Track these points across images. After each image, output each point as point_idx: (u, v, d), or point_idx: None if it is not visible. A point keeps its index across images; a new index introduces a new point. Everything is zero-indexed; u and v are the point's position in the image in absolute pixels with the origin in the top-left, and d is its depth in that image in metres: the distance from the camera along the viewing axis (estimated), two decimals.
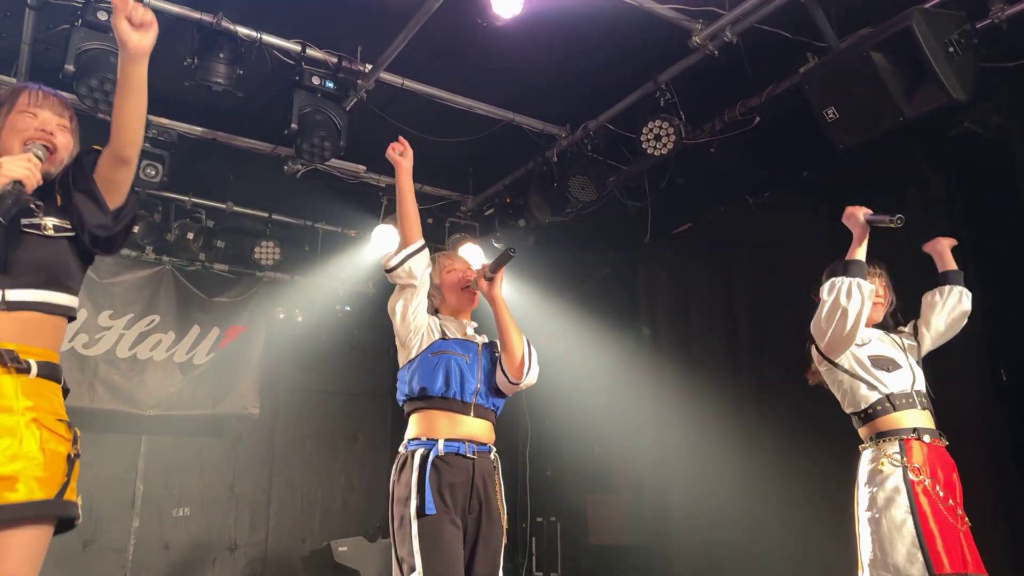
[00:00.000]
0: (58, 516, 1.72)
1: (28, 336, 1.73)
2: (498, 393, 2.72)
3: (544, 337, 5.93)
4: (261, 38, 4.06)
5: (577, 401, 5.51)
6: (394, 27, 3.99)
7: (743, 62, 4.05)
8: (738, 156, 4.57)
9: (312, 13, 4.07)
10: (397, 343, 2.76)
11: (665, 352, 5.22)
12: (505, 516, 2.63)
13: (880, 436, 2.60)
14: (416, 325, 2.67)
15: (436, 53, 4.32)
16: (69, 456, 1.75)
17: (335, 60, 4.30)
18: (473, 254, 5.91)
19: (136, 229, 5.30)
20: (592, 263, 5.77)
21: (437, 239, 6.40)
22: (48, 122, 1.86)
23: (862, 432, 2.70)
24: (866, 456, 2.65)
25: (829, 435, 3.05)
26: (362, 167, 5.53)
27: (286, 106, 4.30)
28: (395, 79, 4.46)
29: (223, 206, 5.65)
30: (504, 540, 2.60)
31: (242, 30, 4.00)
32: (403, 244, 2.77)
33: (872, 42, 3.42)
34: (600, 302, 5.58)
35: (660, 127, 4.29)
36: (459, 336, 2.75)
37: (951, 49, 3.29)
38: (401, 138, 2.98)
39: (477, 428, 2.62)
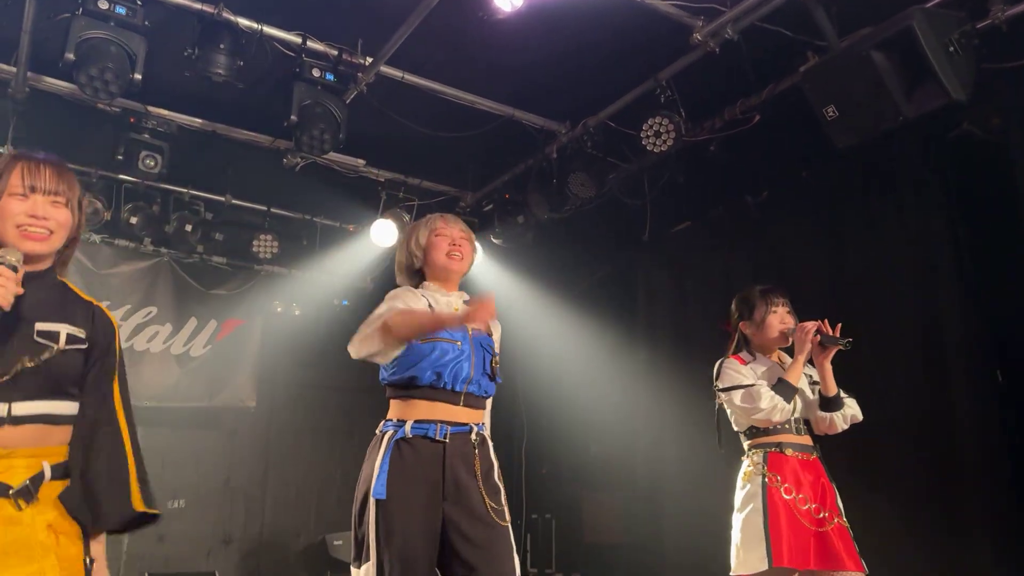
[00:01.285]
0: None
1: (40, 440, 1.69)
2: (491, 378, 2.52)
3: (541, 335, 5.95)
4: (262, 30, 4.06)
5: (574, 399, 5.52)
6: (395, 20, 3.99)
7: (744, 60, 4.05)
8: (738, 154, 4.57)
9: (313, 5, 4.07)
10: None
11: (662, 350, 5.23)
12: (497, 497, 2.37)
13: (752, 448, 2.96)
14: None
15: (437, 47, 4.32)
16: (85, 561, 1.70)
17: (336, 53, 4.29)
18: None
19: (135, 221, 5.31)
20: (591, 261, 5.77)
21: None
22: (39, 205, 1.74)
23: (744, 445, 3.03)
24: (742, 465, 2.99)
25: (824, 440, 3.06)
26: (361, 161, 5.53)
27: (286, 98, 4.29)
28: (395, 73, 4.46)
29: (222, 199, 5.64)
30: (503, 521, 2.34)
31: (243, 21, 3.99)
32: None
33: (872, 41, 3.42)
34: (598, 300, 5.58)
35: (660, 124, 4.29)
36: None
37: (951, 49, 3.30)
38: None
39: (460, 413, 2.42)
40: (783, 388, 2.88)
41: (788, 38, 3.84)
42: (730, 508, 2.99)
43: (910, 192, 4.06)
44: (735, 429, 3.07)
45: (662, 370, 5.13)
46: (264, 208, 5.86)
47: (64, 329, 1.74)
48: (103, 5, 3.70)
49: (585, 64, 4.40)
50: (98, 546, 1.78)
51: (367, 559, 2.21)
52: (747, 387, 2.91)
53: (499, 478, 2.43)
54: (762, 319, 3.06)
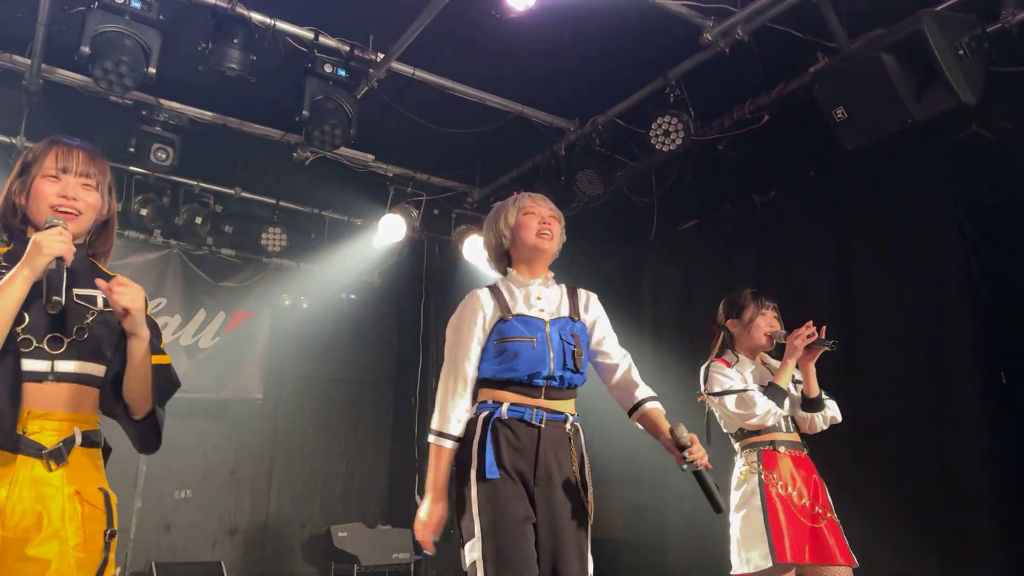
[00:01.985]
0: None
1: (75, 404, 1.76)
2: (576, 371, 2.40)
3: None
4: (275, 25, 4.09)
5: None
6: (407, 17, 4.01)
7: (754, 60, 4.07)
8: (746, 154, 4.59)
9: (325, 1, 4.09)
10: None
11: (667, 348, 5.24)
12: (587, 491, 2.31)
13: (745, 448, 3.00)
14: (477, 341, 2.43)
15: (447, 44, 4.34)
16: (105, 533, 1.75)
17: (347, 48, 4.32)
18: (478, 247, 5.94)
19: (145, 212, 5.35)
20: (597, 258, 5.79)
21: (442, 229, 6.43)
22: (70, 186, 1.84)
23: (735, 446, 3.07)
24: (736, 465, 3.03)
25: (829, 431, 3.09)
26: (371, 156, 5.55)
27: (297, 93, 4.32)
28: (406, 69, 4.48)
29: (231, 191, 5.67)
30: (590, 517, 2.30)
31: (256, 16, 4.02)
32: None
33: (883, 44, 3.44)
34: (604, 296, 5.53)
35: (669, 123, 4.31)
36: (524, 312, 2.42)
37: (961, 52, 3.31)
38: None
39: (550, 404, 2.36)
40: (775, 392, 2.93)
41: (798, 39, 3.86)
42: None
43: (918, 194, 4.07)
44: (724, 431, 3.11)
45: (667, 368, 5.13)
46: (273, 201, 5.90)
47: (99, 295, 1.83)
48: None
49: (595, 62, 4.42)
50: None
51: (472, 536, 2.20)
52: (739, 392, 2.94)
53: (589, 473, 2.37)
54: (751, 320, 3.12)
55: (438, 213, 6.24)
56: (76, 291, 1.81)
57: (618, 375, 2.55)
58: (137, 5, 3.75)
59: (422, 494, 6.59)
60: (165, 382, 1.90)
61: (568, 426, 2.36)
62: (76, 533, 1.69)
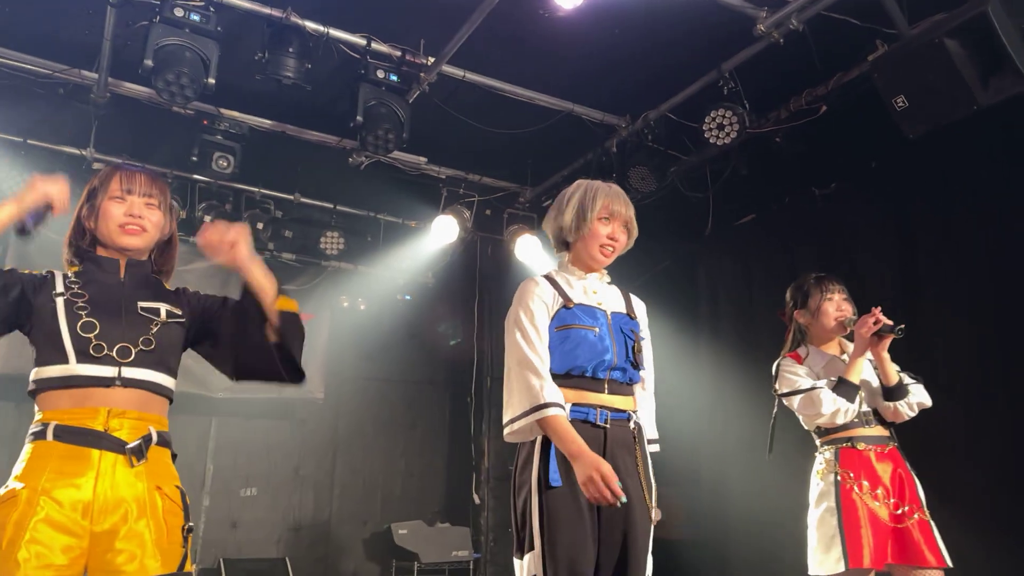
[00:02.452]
0: None
1: (146, 407, 1.88)
2: (636, 366, 2.33)
3: None
4: (328, 32, 4.16)
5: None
6: (456, 19, 4.04)
7: (809, 50, 3.97)
8: (804, 146, 4.49)
9: (377, 7, 4.15)
10: None
11: (726, 345, 5.17)
12: (651, 494, 2.24)
13: (824, 445, 2.90)
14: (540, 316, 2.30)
15: (497, 45, 4.36)
16: (183, 528, 1.85)
17: (399, 53, 4.38)
18: (530, 246, 5.95)
19: (209, 219, 5.51)
20: (651, 256, 5.72)
21: (495, 229, 6.46)
22: (135, 205, 1.99)
23: (816, 442, 2.96)
24: (815, 463, 2.92)
25: (897, 429, 2.99)
26: (423, 159, 5.62)
27: (351, 99, 4.39)
28: (456, 71, 4.52)
29: (291, 197, 5.81)
30: (653, 520, 2.22)
31: (310, 25, 4.10)
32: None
33: (945, 28, 3.32)
34: (660, 294, 5.49)
35: (723, 116, 4.24)
36: (584, 302, 2.34)
37: None
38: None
39: (612, 400, 2.27)
40: (845, 388, 2.78)
41: (855, 27, 3.75)
42: (798, 504, 2.95)
43: (985, 182, 3.92)
44: (805, 428, 3.00)
45: (726, 365, 5.07)
46: (331, 206, 6.01)
47: (163, 307, 1.98)
48: (179, 12, 3.86)
49: (645, 57, 4.38)
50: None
51: (531, 548, 2.10)
52: (806, 392, 2.82)
53: (652, 473, 2.30)
54: (817, 307, 2.97)
55: (490, 213, 6.28)
56: (141, 304, 1.95)
57: (638, 394, 2.41)
58: (196, 18, 3.87)
59: (479, 492, 6.57)
60: (295, 328, 2.03)
61: (632, 424, 2.28)
62: (158, 527, 1.78)
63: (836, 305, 2.96)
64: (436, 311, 6.86)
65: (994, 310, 3.80)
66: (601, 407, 2.23)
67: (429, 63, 4.41)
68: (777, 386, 2.95)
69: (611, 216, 2.38)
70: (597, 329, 2.29)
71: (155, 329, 1.93)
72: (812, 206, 4.73)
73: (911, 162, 4.19)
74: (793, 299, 3.09)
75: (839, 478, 2.76)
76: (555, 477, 2.11)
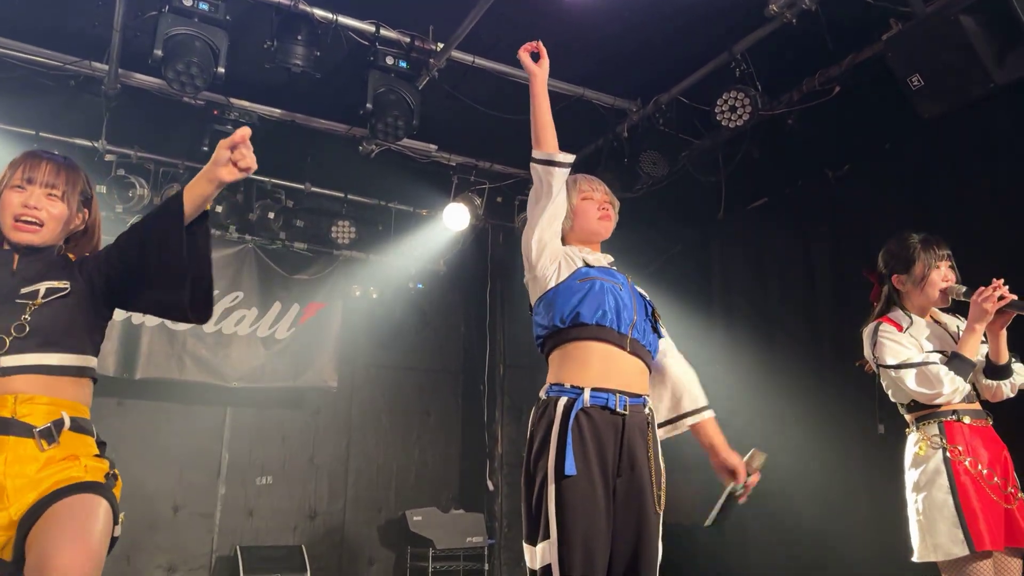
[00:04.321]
0: (107, 498, 1.77)
1: (55, 391, 1.80)
2: (654, 330, 2.36)
3: None
4: (337, 20, 4.15)
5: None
6: (465, 5, 4.02)
7: (822, 30, 3.93)
8: (817, 127, 4.44)
9: None
10: (528, 278, 2.41)
11: (740, 329, 5.14)
12: (662, 479, 2.24)
13: (921, 420, 2.60)
14: (553, 251, 2.34)
15: (506, 30, 4.33)
16: (107, 474, 1.81)
17: (408, 40, 4.36)
18: None
19: (220, 209, 5.53)
20: (664, 240, 5.71)
21: (506, 216, 6.44)
22: (33, 195, 1.87)
23: (907, 418, 2.68)
24: (910, 440, 2.65)
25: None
26: (433, 146, 5.61)
27: (361, 87, 4.39)
28: (466, 57, 4.50)
29: (301, 187, 5.81)
30: (661, 507, 2.22)
31: (318, 12, 4.09)
32: (545, 148, 2.44)
33: (961, 5, 3.28)
34: (672, 279, 5.51)
35: (735, 98, 4.21)
36: (603, 264, 2.42)
37: None
38: (539, 43, 2.59)
39: (631, 371, 2.26)
40: (961, 365, 2.51)
41: (869, 5, 3.70)
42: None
43: (1003, 163, 3.87)
44: (892, 400, 2.71)
45: (740, 350, 5.04)
46: (341, 195, 6.01)
47: (43, 286, 1.84)
48: (187, 2, 3.86)
49: (656, 40, 4.35)
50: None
51: (546, 537, 2.09)
52: (919, 366, 2.53)
53: (661, 458, 2.29)
54: (923, 275, 2.65)
55: (501, 200, 6.26)
56: (22, 290, 1.83)
57: (675, 360, 2.56)
58: (205, 7, 3.87)
59: (493, 479, 6.59)
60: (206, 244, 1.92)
61: (647, 410, 2.28)
62: (77, 470, 1.75)
63: (943, 275, 2.66)
64: (448, 299, 6.86)
65: (1019, 296, 3.75)
66: (621, 391, 2.21)
67: (438, 49, 4.40)
68: (876, 354, 2.63)
69: (593, 195, 2.51)
70: (619, 284, 2.34)
71: (28, 313, 1.79)
72: (825, 189, 4.69)
73: (926, 143, 4.14)
74: (891, 263, 2.76)
75: (948, 454, 2.49)
76: (571, 466, 2.09)
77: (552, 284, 2.33)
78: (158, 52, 3.82)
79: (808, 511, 4.43)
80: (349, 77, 4.53)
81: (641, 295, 2.43)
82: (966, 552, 2.36)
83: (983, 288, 2.53)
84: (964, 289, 2.61)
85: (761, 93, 4.24)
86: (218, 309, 5.74)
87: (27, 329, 1.78)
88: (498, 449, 6.47)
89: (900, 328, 2.64)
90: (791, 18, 3.82)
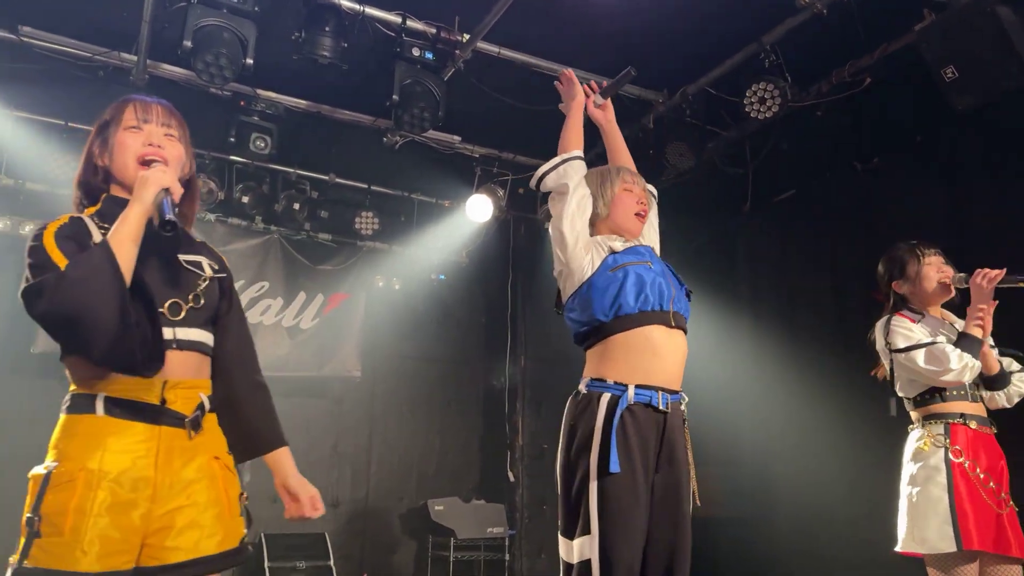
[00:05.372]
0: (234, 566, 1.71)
1: (197, 371, 1.72)
2: (687, 297, 2.39)
3: None
4: (363, 11, 4.15)
5: None
6: None
7: (853, 20, 3.88)
8: (847, 119, 4.40)
9: None
10: (560, 269, 2.39)
11: (766, 322, 5.11)
12: (694, 476, 2.27)
13: (928, 419, 2.69)
14: (585, 241, 2.34)
15: (532, 20, 4.31)
16: (240, 497, 1.74)
17: (434, 31, 4.35)
18: None
19: (246, 200, 5.56)
20: (689, 232, 5.67)
21: (529, 208, 6.44)
22: (153, 135, 1.76)
23: (913, 414, 2.77)
24: (913, 436, 2.74)
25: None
26: (457, 138, 5.60)
27: (386, 78, 4.39)
28: (491, 48, 4.48)
29: (326, 178, 5.83)
30: (696, 503, 2.26)
31: (345, 3, 4.10)
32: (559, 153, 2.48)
33: None
34: (698, 271, 5.44)
35: (764, 90, 4.17)
36: (627, 245, 2.41)
37: None
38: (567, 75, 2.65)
39: (674, 358, 2.26)
40: (968, 343, 2.59)
41: None
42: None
43: None
44: (901, 394, 2.79)
45: (767, 343, 5.02)
46: (365, 186, 6.03)
47: (204, 260, 1.79)
48: None
49: (683, 31, 4.30)
50: (287, 454, 1.92)
51: (586, 531, 2.10)
52: (927, 346, 2.60)
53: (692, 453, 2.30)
54: (917, 273, 2.76)
55: (524, 192, 6.25)
56: (183, 257, 1.75)
57: None
58: None
59: (514, 470, 6.59)
60: None
61: (683, 406, 2.30)
62: (219, 501, 1.67)
63: (936, 267, 2.76)
64: (470, 290, 6.87)
65: None
66: (663, 388, 2.22)
67: (464, 40, 4.38)
68: (889, 340, 2.71)
69: (634, 188, 2.49)
70: (650, 263, 2.35)
71: (203, 285, 1.73)
72: (854, 182, 4.64)
73: (959, 136, 4.09)
74: (888, 271, 2.87)
75: (950, 455, 2.57)
76: (615, 464, 2.09)
77: (588, 275, 2.31)
78: (187, 43, 3.84)
79: (836, 501, 4.40)
80: (375, 68, 4.53)
81: (668, 267, 2.44)
82: (953, 549, 2.45)
83: (979, 270, 2.64)
84: (963, 275, 2.71)
85: (790, 84, 4.20)
86: (244, 299, 5.75)
87: (202, 301, 1.72)
88: (519, 440, 6.48)
89: (913, 321, 2.74)
90: (822, 8, 3.78)
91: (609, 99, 2.72)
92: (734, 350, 5.22)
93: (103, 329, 1.48)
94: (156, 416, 1.62)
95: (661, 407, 2.19)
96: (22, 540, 1.54)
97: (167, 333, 1.64)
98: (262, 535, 5.57)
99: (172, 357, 1.64)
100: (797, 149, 4.78)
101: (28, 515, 1.54)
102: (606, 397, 2.18)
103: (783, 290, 5.10)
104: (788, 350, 4.81)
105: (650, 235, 2.59)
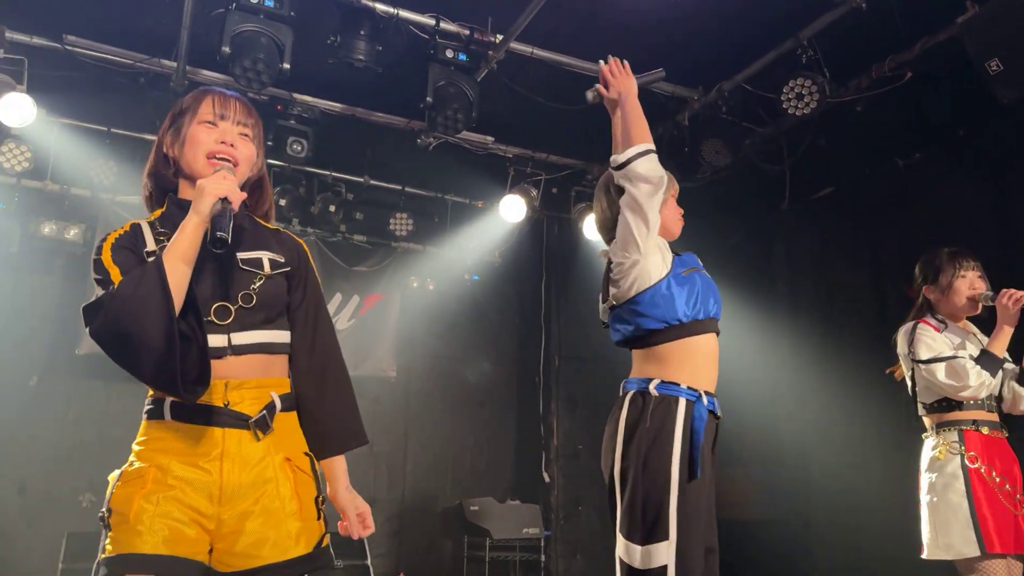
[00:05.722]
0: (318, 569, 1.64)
1: (265, 371, 1.66)
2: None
3: None
4: (397, 14, 4.18)
5: None
6: None
7: (894, 13, 3.80)
8: (887, 114, 4.31)
9: None
10: (626, 265, 2.27)
11: (804, 321, 5.04)
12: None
13: (941, 426, 2.77)
14: (655, 243, 2.29)
15: (564, 19, 4.30)
16: (316, 500, 1.66)
17: (467, 32, 4.36)
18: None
19: (284, 202, 5.63)
20: (726, 229, 5.62)
21: (562, 208, 6.42)
22: (228, 133, 1.70)
23: (926, 421, 2.84)
24: (928, 444, 2.82)
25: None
26: (490, 138, 5.61)
27: (420, 80, 4.41)
28: (525, 48, 4.48)
29: (361, 180, 5.88)
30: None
31: (380, 6, 4.12)
32: (642, 140, 2.29)
33: None
34: (735, 271, 5.42)
35: (802, 85, 4.10)
36: (682, 251, 2.44)
37: None
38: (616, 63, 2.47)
39: (716, 364, 2.31)
40: (988, 361, 2.67)
41: None
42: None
43: None
44: (919, 400, 2.87)
45: (805, 342, 4.95)
46: (399, 187, 6.07)
47: (264, 256, 1.71)
48: None
49: (718, 27, 4.26)
50: (340, 465, 1.81)
51: (664, 537, 2.07)
52: (949, 360, 2.69)
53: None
54: (949, 284, 2.84)
55: (557, 192, 6.24)
56: (240, 255, 1.68)
57: None
58: (271, 4, 3.92)
59: (549, 471, 6.60)
60: None
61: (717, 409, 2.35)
62: (291, 502, 1.60)
63: (969, 282, 2.84)
64: (503, 290, 6.87)
65: None
66: (713, 396, 2.28)
67: (497, 41, 4.39)
68: (912, 349, 2.80)
69: (675, 190, 2.52)
70: (702, 269, 2.40)
71: (257, 285, 1.65)
72: (895, 178, 4.55)
73: (1004, 130, 3.99)
74: (923, 274, 2.96)
75: (966, 461, 2.66)
76: (698, 470, 2.08)
77: (664, 273, 2.26)
78: (225, 49, 3.89)
79: (876, 504, 4.33)
80: (408, 70, 4.55)
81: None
82: (977, 553, 2.53)
83: (1005, 290, 2.72)
84: (991, 294, 2.79)
85: (829, 80, 4.13)
86: None
87: (253, 301, 1.63)
88: (554, 441, 6.47)
89: (937, 330, 2.83)
90: (861, 2, 3.71)
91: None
92: (772, 349, 5.16)
93: (148, 351, 1.46)
94: (219, 418, 1.58)
95: (718, 412, 2.27)
96: (101, 539, 1.55)
97: (218, 340, 1.60)
98: None
99: (231, 362, 1.61)
100: (836, 145, 4.70)
101: (101, 512, 1.56)
102: (683, 402, 2.18)
103: (822, 288, 5.02)
104: (827, 350, 4.74)
105: None
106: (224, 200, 1.56)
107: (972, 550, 2.54)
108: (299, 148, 4.96)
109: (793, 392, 4.99)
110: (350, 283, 6.11)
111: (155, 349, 1.46)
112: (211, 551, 1.57)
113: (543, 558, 5.95)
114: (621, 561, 2.14)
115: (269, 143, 4.95)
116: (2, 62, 4.45)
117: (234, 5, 3.90)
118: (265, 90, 4.50)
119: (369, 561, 5.58)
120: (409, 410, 6.43)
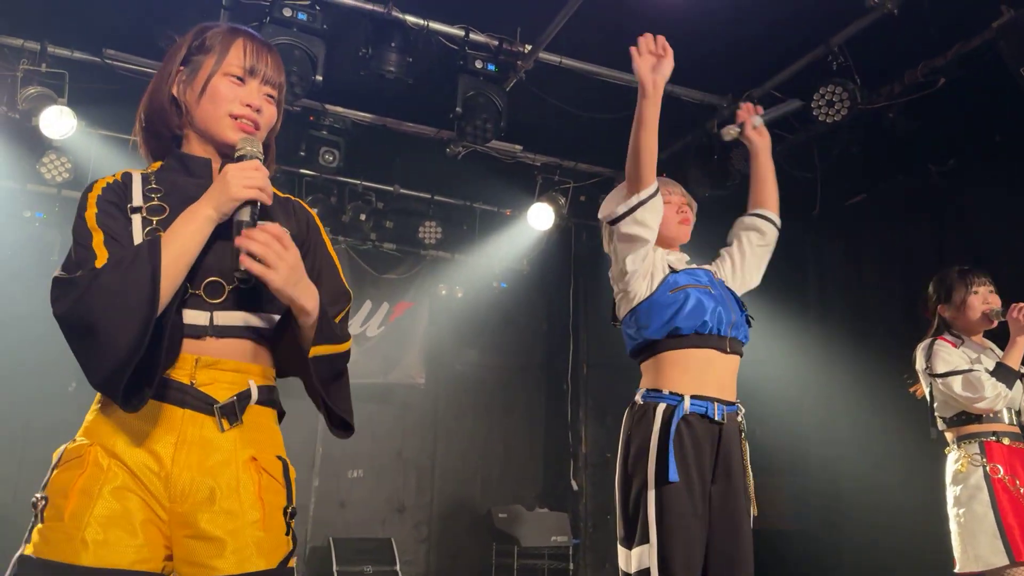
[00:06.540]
0: None
1: (248, 356, 1.42)
2: (747, 322, 2.39)
3: None
4: (428, 25, 4.23)
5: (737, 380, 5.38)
6: (553, 5, 4.03)
7: (926, 19, 3.76)
8: (920, 121, 4.26)
9: None
10: (617, 293, 2.38)
11: (835, 330, 4.99)
12: (752, 487, 2.25)
13: (962, 439, 2.83)
14: (644, 269, 2.29)
15: (593, 28, 4.31)
16: (285, 511, 1.39)
17: (496, 43, 4.40)
18: None
19: (316, 212, 5.71)
20: None
21: (590, 216, 6.41)
22: (254, 94, 1.46)
23: (948, 435, 2.91)
24: (951, 458, 2.87)
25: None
26: (519, 147, 5.64)
27: (450, 90, 4.45)
28: (553, 58, 4.51)
29: (391, 189, 5.95)
30: (754, 512, 2.23)
31: (411, 18, 4.18)
32: (634, 188, 2.25)
33: None
34: (765, 278, 5.38)
35: (833, 92, 4.07)
36: (685, 267, 2.40)
37: None
38: (659, 40, 2.33)
39: (727, 375, 2.27)
40: (1004, 373, 2.72)
41: None
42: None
43: None
44: (938, 415, 2.93)
45: (836, 352, 4.89)
46: (428, 196, 6.13)
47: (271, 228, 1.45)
48: (287, 12, 3.99)
49: (747, 34, 4.25)
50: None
51: (644, 541, 2.10)
52: (965, 373, 2.76)
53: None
54: (962, 301, 2.92)
55: (585, 200, 6.25)
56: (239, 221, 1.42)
57: None
58: (303, 17, 4.00)
59: (577, 479, 6.61)
60: (327, 371, 1.50)
61: (740, 417, 2.30)
62: (254, 507, 1.34)
63: (982, 298, 2.91)
64: (532, 298, 6.89)
65: None
66: (718, 399, 2.23)
67: (526, 51, 4.42)
68: (929, 364, 2.88)
69: (672, 198, 2.48)
70: (709, 287, 2.33)
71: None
72: (929, 185, 4.50)
73: None
74: (936, 293, 3.05)
75: (988, 471, 2.71)
76: (673, 473, 2.09)
77: (646, 295, 2.30)
78: None
79: (905, 516, 4.26)
80: (438, 81, 4.60)
81: (728, 288, 2.42)
82: (1006, 562, 2.58)
83: (1015, 304, 2.80)
84: (1000, 309, 2.86)
85: (860, 87, 4.09)
86: None
87: (253, 280, 1.35)
88: (582, 449, 6.46)
89: (954, 346, 2.90)
90: (892, 8, 3.68)
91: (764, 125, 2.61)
92: (803, 358, 5.11)
93: (110, 354, 1.25)
94: (180, 397, 1.34)
95: (716, 418, 2.20)
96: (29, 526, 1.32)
97: (199, 318, 1.36)
98: (330, 539, 5.70)
99: (209, 343, 1.37)
100: (868, 152, 4.65)
101: (35, 496, 1.32)
102: (662, 407, 2.20)
103: (853, 296, 4.97)
104: (859, 359, 4.68)
105: (722, 268, 2.54)
106: (252, 204, 1.35)
107: (1001, 559, 2.58)
108: (331, 158, 5.03)
109: (823, 401, 4.93)
110: (380, 291, 6.18)
111: (118, 357, 1.25)
112: (170, 557, 1.33)
113: (571, 566, 5.94)
114: (620, 568, 2.20)
115: (302, 153, 5.03)
116: (44, 76, 4.58)
117: (268, 19, 3.97)
118: (298, 101, 4.57)
119: (398, 567, 5.62)
120: (438, 417, 6.47)
